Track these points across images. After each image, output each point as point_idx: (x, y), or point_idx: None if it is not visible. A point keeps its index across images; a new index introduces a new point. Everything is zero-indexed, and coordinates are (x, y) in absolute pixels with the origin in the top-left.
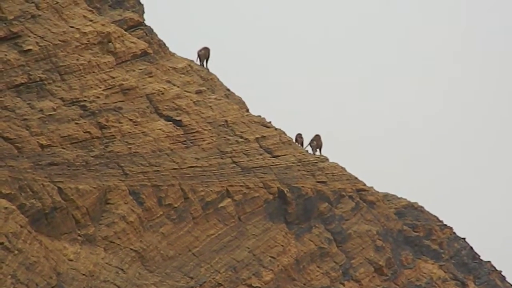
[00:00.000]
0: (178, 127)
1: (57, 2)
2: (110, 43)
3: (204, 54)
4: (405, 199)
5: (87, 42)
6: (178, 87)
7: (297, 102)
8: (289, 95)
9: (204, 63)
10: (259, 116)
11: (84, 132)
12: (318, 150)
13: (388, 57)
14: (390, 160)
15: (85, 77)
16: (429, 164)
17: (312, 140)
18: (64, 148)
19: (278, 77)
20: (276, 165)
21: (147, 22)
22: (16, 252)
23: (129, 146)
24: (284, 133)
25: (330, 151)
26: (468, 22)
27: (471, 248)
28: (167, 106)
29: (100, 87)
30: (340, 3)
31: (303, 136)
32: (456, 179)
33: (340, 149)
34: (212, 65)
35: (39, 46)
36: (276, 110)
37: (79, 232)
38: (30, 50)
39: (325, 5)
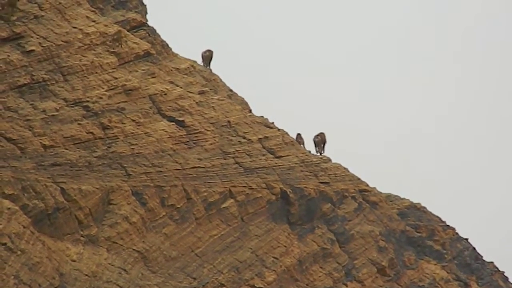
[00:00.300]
0: (181, 128)
1: (60, 3)
2: (119, 42)
3: (208, 56)
4: (407, 199)
5: (90, 43)
6: (181, 87)
7: (297, 102)
8: (289, 95)
9: (207, 64)
10: (262, 116)
11: (87, 133)
12: (322, 146)
13: (388, 57)
14: (391, 161)
15: (88, 78)
16: (431, 164)
17: (316, 136)
18: (67, 149)
19: (278, 77)
20: (279, 165)
21: (150, 23)
22: (19, 252)
23: (132, 147)
24: (287, 133)
25: (332, 151)
26: (468, 22)
27: (474, 248)
28: (170, 106)
29: (103, 88)
30: (339, 3)
31: (302, 136)
32: (457, 179)
33: (341, 149)
34: (213, 65)
35: (42, 46)
36: (276, 110)
37: (82, 232)
38: (33, 50)
39: (325, 6)
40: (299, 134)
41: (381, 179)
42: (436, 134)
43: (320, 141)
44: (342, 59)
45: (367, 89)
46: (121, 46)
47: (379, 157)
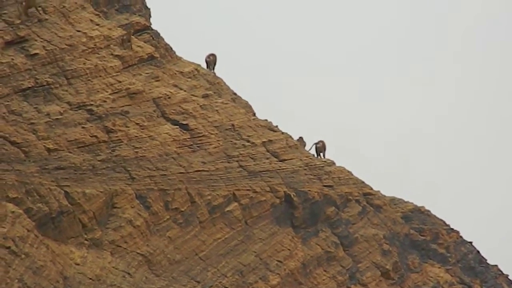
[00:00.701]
0: (184, 131)
1: (64, 6)
2: (129, 42)
3: (212, 60)
4: (411, 203)
5: (94, 46)
6: (184, 91)
7: (297, 102)
8: (289, 95)
9: (212, 69)
10: (266, 120)
11: (91, 136)
12: (323, 153)
13: (388, 57)
14: (391, 161)
15: (91, 81)
16: (431, 165)
17: (317, 144)
18: (70, 152)
19: (278, 77)
20: (283, 169)
21: (153, 26)
22: (23, 256)
23: (136, 150)
24: (290, 137)
25: (332, 151)
26: (468, 22)
27: (478, 252)
28: (173, 110)
29: (107, 91)
30: (339, 3)
31: (304, 139)
32: (458, 180)
33: (341, 149)
34: (216, 67)
35: (46, 50)
36: (276, 110)
37: (85, 236)
38: (36, 54)
39: (325, 6)
40: (301, 138)
41: (381, 179)
42: (436, 134)
43: (321, 147)
44: (342, 59)
45: (367, 89)
46: (129, 48)
47: (379, 157)
